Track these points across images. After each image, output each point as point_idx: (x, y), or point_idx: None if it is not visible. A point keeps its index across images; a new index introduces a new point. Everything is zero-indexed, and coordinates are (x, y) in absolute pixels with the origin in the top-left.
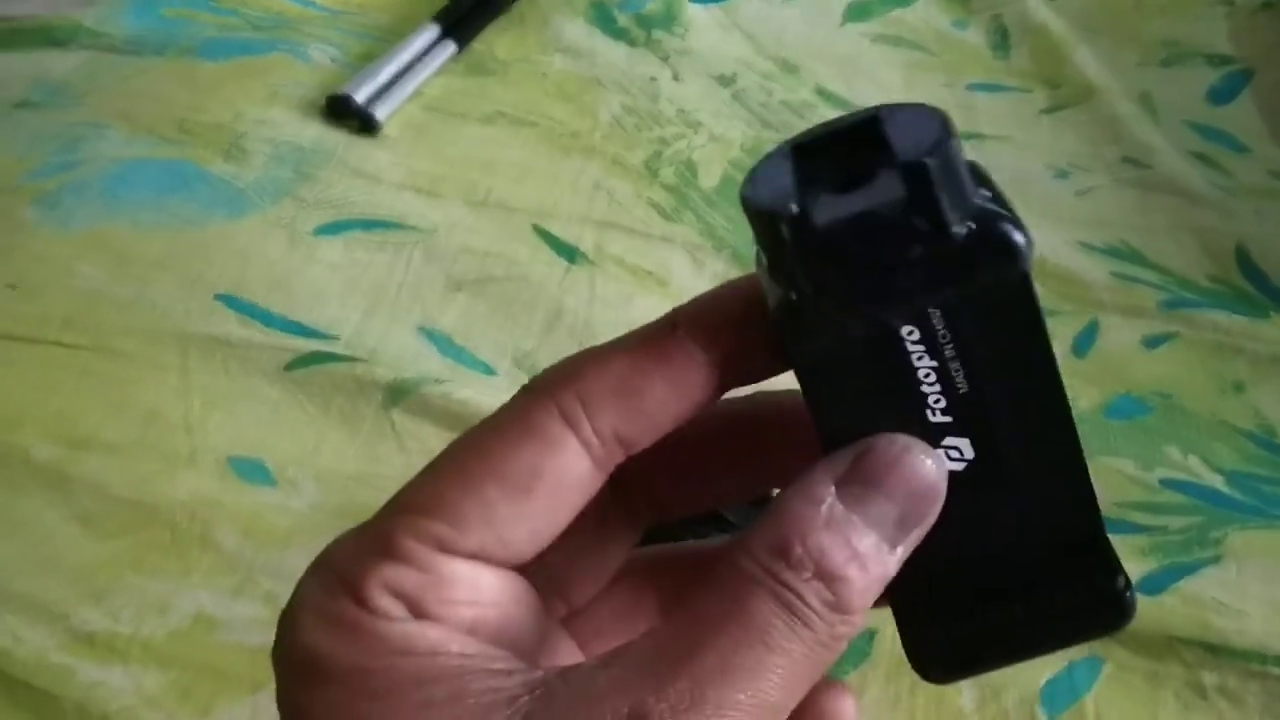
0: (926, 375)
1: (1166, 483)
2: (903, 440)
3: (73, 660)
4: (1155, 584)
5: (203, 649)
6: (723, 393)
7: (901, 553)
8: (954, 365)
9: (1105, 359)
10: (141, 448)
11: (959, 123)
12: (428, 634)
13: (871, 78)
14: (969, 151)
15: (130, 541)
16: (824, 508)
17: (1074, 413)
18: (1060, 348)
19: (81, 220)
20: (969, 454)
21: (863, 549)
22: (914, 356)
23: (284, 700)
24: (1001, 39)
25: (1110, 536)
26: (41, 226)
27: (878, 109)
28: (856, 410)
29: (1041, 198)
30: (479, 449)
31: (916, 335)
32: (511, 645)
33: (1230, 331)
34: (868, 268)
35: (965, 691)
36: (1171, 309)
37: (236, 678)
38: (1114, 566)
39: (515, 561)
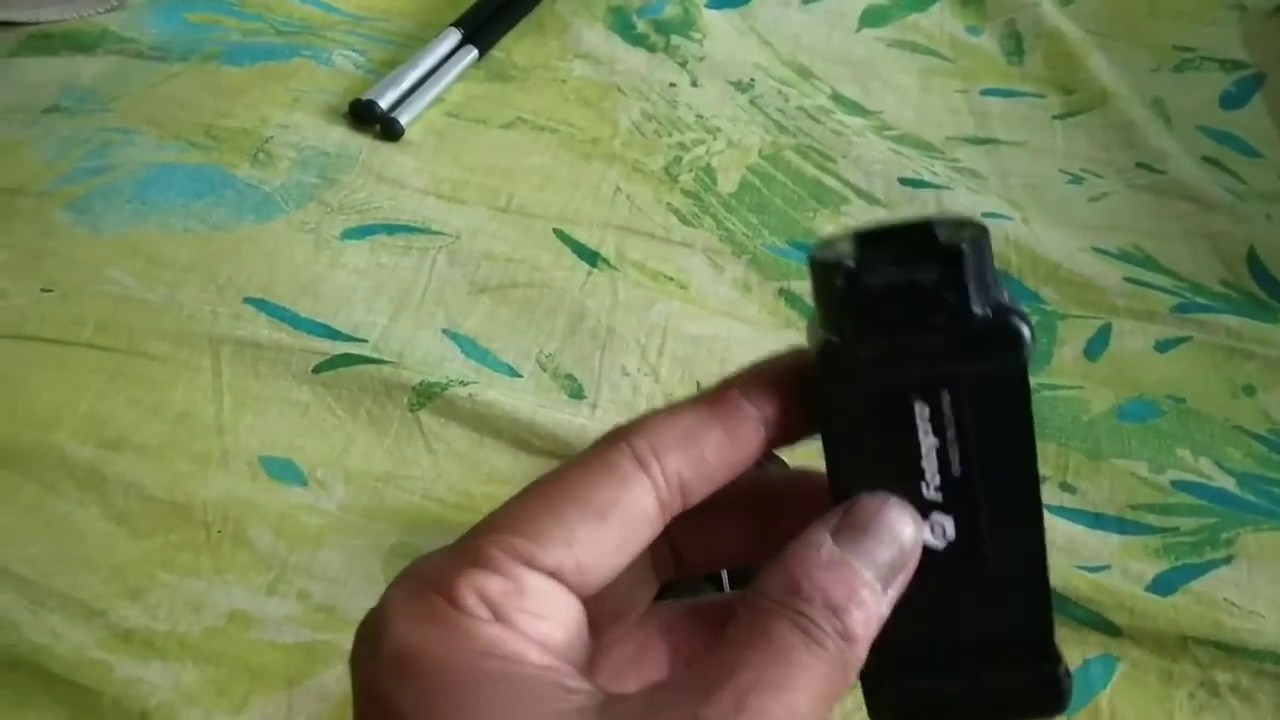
0: (928, 451)
1: (1179, 484)
2: (883, 495)
3: (110, 656)
4: (1167, 584)
5: (238, 646)
6: (770, 449)
7: (891, 595)
8: (953, 447)
9: (1118, 362)
10: (174, 448)
11: (974, 129)
12: (510, 639)
13: (887, 83)
14: (983, 157)
15: (164, 540)
16: (823, 551)
17: (1088, 416)
18: (1073, 351)
19: (112, 225)
20: (951, 533)
21: (858, 585)
22: (920, 431)
23: (371, 699)
24: (1016, 45)
25: (1124, 537)
26: (73, 230)
27: (932, 216)
28: (863, 469)
29: (1056, 203)
30: (562, 480)
31: (926, 413)
32: (572, 665)
33: (1241, 335)
34: (901, 325)
35: None
36: (1184, 313)
37: (271, 674)
38: (1057, 657)
39: (584, 589)
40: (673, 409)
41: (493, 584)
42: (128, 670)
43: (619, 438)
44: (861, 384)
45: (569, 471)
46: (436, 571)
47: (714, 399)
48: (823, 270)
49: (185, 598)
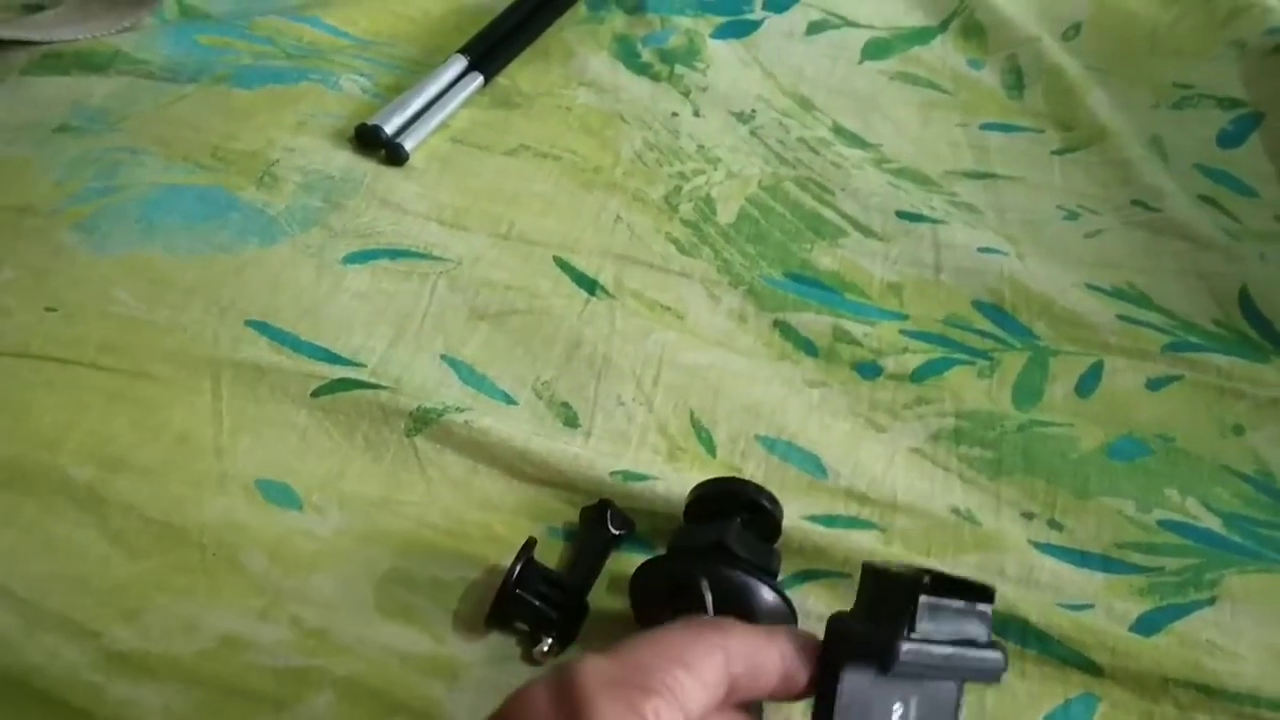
0: None
1: (1165, 524)
2: None
3: (103, 678)
4: (1151, 624)
5: (229, 669)
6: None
7: None
8: None
9: (1109, 400)
10: (172, 470)
11: (973, 163)
12: None
13: (887, 116)
14: (980, 191)
15: (160, 562)
16: None
17: (1076, 454)
18: (1064, 388)
19: (118, 246)
20: None
21: None
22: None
23: None
24: (1016, 79)
25: (1109, 576)
26: (79, 251)
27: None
28: None
29: (1051, 238)
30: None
31: (899, 712)
32: None
33: (1232, 375)
34: (942, 633)
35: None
36: (1175, 351)
37: (262, 698)
38: None
39: None
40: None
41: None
42: (120, 691)
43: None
44: (874, 673)
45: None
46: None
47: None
48: (899, 581)
49: (179, 620)
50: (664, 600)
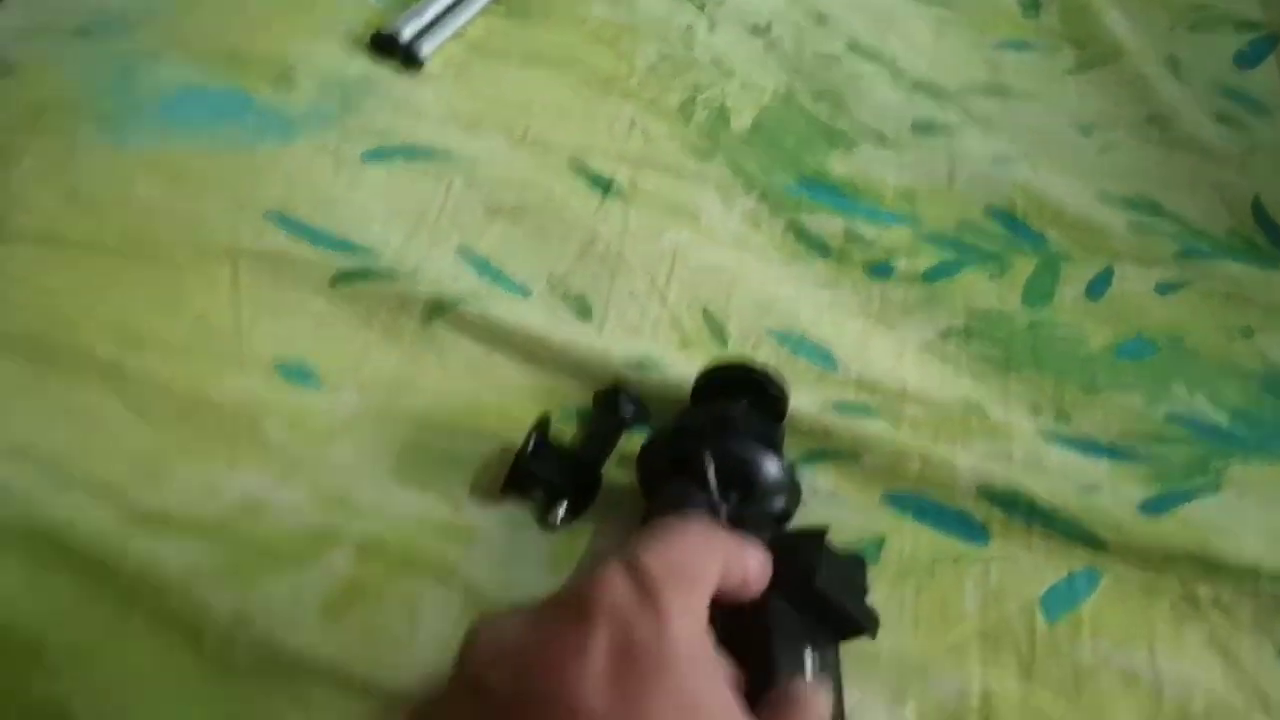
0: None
1: (1172, 417)
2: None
3: (129, 535)
4: (1156, 507)
5: (249, 529)
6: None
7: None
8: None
9: (1119, 303)
10: (193, 348)
11: (987, 78)
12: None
13: (903, 31)
14: (995, 106)
15: (180, 431)
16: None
17: (1085, 351)
18: (1074, 291)
19: (138, 141)
20: None
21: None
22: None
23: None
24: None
25: (1115, 463)
26: (98, 145)
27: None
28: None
29: (1064, 152)
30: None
31: (810, 658)
32: None
33: (1242, 281)
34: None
35: (968, 596)
36: (1186, 258)
37: (279, 555)
38: None
39: None
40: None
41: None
42: (143, 548)
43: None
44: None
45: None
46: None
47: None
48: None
49: (199, 484)
50: (668, 475)
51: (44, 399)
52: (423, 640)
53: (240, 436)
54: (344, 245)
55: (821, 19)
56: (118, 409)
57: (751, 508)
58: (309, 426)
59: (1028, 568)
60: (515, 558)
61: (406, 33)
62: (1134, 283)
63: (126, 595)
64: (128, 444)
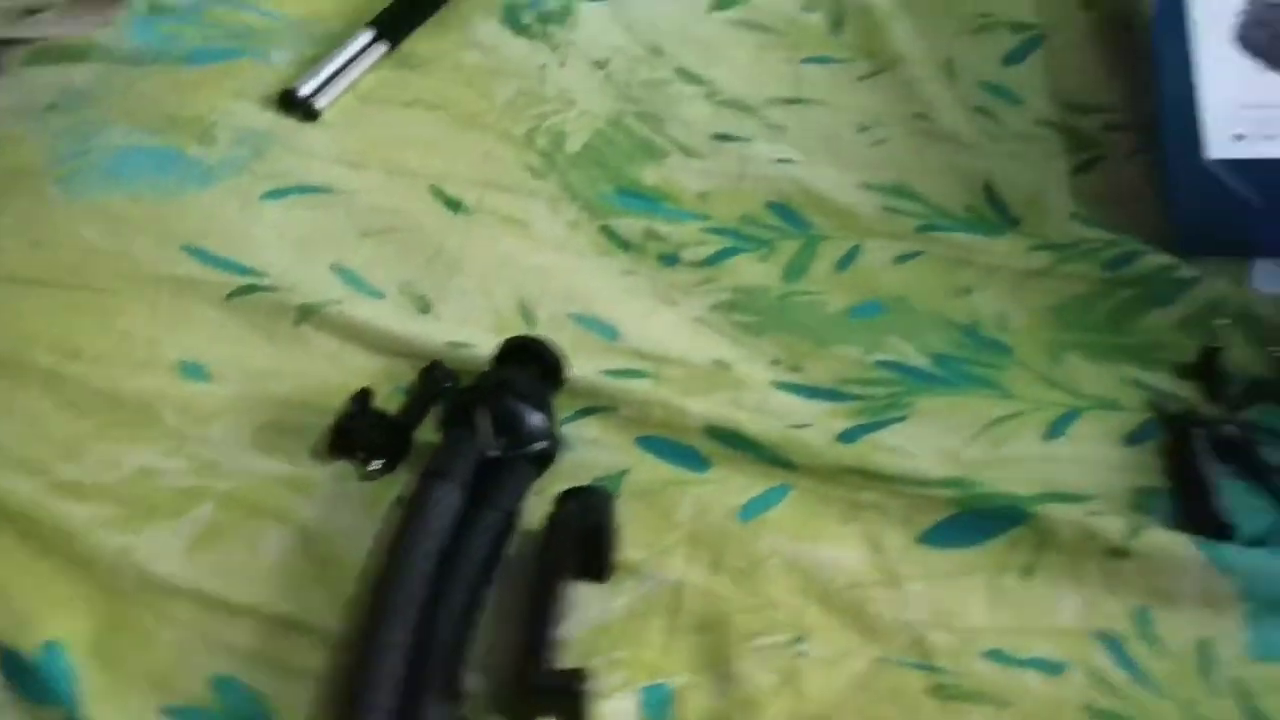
0: None
1: (881, 363)
2: None
3: (51, 499)
4: (851, 436)
5: (141, 490)
6: None
7: None
8: None
9: (861, 274)
10: (116, 356)
11: (789, 91)
12: None
13: (725, 56)
14: (791, 114)
15: (99, 420)
16: None
17: (823, 314)
18: (825, 265)
19: (88, 193)
20: None
21: None
22: None
23: None
24: (838, 20)
25: (833, 404)
26: (58, 199)
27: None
28: None
29: (840, 149)
30: None
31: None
32: None
33: (969, 249)
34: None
35: (682, 510)
36: (925, 232)
37: (161, 510)
38: None
39: None
40: None
41: None
42: (63, 508)
43: None
44: None
45: None
46: None
47: None
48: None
49: (107, 458)
50: (452, 425)
51: None
52: (263, 567)
53: (142, 422)
54: (240, 268)
55: (657, 50)
56: (50, 406)
57: (518, 450)
58: (195, 412)
59: (735, 488)
60: (340, 503)
61: (305, 89)
62: (877, 255)
63: (45, 543)
64: (55, 432)
